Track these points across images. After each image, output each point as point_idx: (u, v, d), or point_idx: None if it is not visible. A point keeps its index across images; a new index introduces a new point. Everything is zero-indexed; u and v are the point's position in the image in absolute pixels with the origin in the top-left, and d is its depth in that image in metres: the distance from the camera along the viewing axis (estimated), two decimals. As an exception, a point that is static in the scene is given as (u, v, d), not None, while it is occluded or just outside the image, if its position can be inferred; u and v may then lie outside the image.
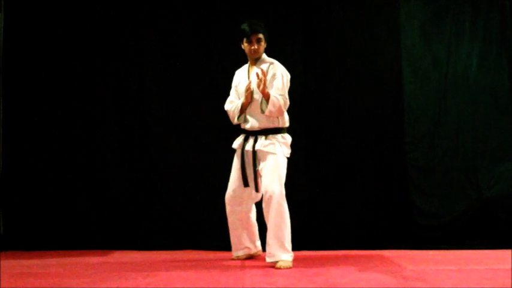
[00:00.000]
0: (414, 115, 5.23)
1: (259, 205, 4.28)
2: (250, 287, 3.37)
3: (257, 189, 4.28)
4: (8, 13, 5.40)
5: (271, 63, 4.29)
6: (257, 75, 4.12)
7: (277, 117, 4.23)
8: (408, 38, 5.27)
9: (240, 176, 4.31)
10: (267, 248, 4.08)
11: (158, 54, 5.38)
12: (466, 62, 5.27)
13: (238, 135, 4.39)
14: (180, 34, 5.37)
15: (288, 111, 4.30)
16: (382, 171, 5.15)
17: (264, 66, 4.26)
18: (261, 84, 4.09)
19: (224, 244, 4.65)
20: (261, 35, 4.28)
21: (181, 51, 5.35)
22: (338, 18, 5.31)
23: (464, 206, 5.13)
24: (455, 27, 5.28)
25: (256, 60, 4.34)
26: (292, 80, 4.32)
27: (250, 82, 4.28)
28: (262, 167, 4.18)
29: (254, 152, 4.23)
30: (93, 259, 4.64)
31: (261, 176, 4.21)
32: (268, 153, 4.17)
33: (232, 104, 4.37)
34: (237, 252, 4.48)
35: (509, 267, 3.81)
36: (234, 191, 4.36)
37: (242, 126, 4.35)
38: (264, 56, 4.36)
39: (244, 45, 4.32)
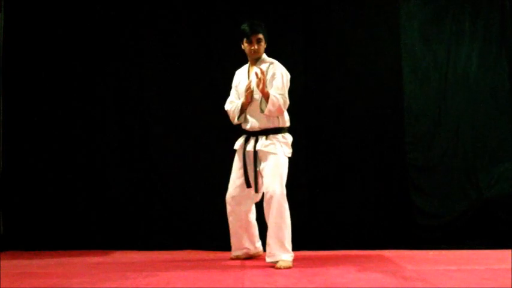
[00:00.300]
0: (414, 115, 5.23)
1: (259, 205, 4.28)
2: (250, 287, 3.37)
3: (256, 190, 4.28)
4: (8, 13, 5.40)
5: (271, 63, 4.30)
6: (256, 74, 4.13)
7: (278, 117, 4.23)
8: (408, 38, 5.27)
9: (240, 176, 4.31)
10: (267, 248, 4.08)
11: (158, 54, 5.38)
12: (466, 62, 5.27)
13: (238, 135, 4.39)
14: (180, 34, 5.37)
15: (288, 111, 4.30)
16: (382, 171, 5.15)
17: (264, 66, 4.26)
18: (261, 84, 4.09)
19: (224, 244, 4.66)
20: (261, 35, 4.28)
21: (181, 51, 5.35)
22: (338, 18, 5.31)
23: (464, 206, 5.13)
24: (455, 27, 5.28)
25: (256, 61, 4.34)
26: (292, 80, 4.32)
27: (250, 82, 4.28)
28: (263, 167, 4.18)
29: (255, 153, 4.23)
30: (93, 259, 4.64)
31: (262, 177, 4.21)
32: (268, 153, 4.17)
33: (233, 104, 4.37)
34: (237, 252, 4.48)
35: (509, 267, 3.81)
36: (234, 191, 4.36)
37: (243, 126, 4.36)
38: (264, 56, 4.36)
39: (244, 46, 4.32)
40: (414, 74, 5.26)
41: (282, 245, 4.00)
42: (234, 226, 4.43)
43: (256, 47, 4.28)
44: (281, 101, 4.15)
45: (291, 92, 4.29)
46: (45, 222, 5.26)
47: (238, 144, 4.36)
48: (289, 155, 4.25)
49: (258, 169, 4.24)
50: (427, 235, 5.07)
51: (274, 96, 4.13)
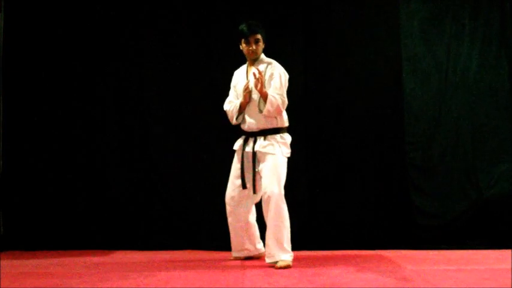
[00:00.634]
0: (414, 115, 5.23)
1: (259, 206, 4.28)
2: (250, 287, 3.37)
3: (254, 191, 4.28)
4: (8, 13, 5.40)
5: (270, 63, 4.29)
6: (254, 75, 4.12)
7: (276, 118, 4.22)
8: (408, 38, 5.27)
9: (239, 176, 4.31)
10: (267, 249, 4.08)
11: (158, 54, 5.38)
12: (466, 62, 5.27)
13: (238, 136, 4.39)
14: (180, 34, 5.37)
15: (288, 111, 4.30)
16: (382, 171, 5.15)
17: (262, 67, 4.26)
18: (259, 84, 4.09)
19: (224, 244, 4.65)
20: (259, 36, 4.27)
21: (181, 51, 5.35)
22: (338, 18, 5.31)
23: (464, 206, 5.13)
24: (455, 27, 5.28)
25: (255, 61, 4.33)
26: (292, 80, 4.32)
27: (248, 81, 4.27)
28: (262, 168, 4.18)
29: (254, 154, 4.23)
30: (93, 259, 4.64)
31: (261, 177, 4.21)
32: (267, 153, 4.17)
33: (231, 104, 4.38)
34: (237, 253, 4.48)
35: (509, 267, 3.81)
36: (233, 191, 4.36)
37: (241, 127, 4.36)
38: (263, 56, 4.36)
39: (243, 46, 4.32)
40: (414, 74, 5.26)
41: (281, 245, 4.00)
42: (233, 227, 4.43)
43: (254, 47, 4.28)
44: (279, 101, 4.15)
45: (291, 92, 4.29)
46: (45, 222, 5.26)
47: (238, 145, 4.36)
48: (288, 155, 4.24)
49: (256, 170, 4.23)
50: (427, 235, 5.07)
51: (273, 96, 4.13)
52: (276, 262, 3.99)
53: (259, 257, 4.45)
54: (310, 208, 5.13)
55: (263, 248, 4.46)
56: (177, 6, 5.39)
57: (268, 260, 4.05)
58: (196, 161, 5.24)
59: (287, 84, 4.27)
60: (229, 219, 4.42)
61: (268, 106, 4.13)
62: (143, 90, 5.38)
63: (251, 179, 4.26)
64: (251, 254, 4.48)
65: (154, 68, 5.38)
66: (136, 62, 5.39)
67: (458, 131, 5.22)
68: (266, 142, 4.20)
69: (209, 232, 5.12)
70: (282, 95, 4.18)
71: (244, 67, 4.44)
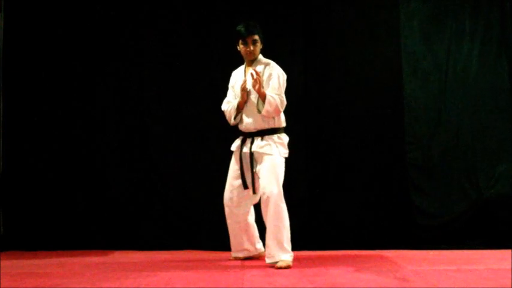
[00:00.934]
0: (414, 115, 5.22)
1: (258, 206, 4.28)
2: (250, 287, 3.37)
3: (254, 191, 4.28)
4: (8, 13, 5.40)
5: (267, 64, 4.29)
6: (251, 75, 4.12)
7: (273, 118, 4.22)
8: (408, 38, 5.27)
9: (238, 177, 4.31)
10: (266, 249, 4.08)
11: (158, 54, 5.38)
12: (466, 62, 5.27)
13: (237, 136, 4.39)
14: (180, 34, 5.37)
15: (288, 111, 4.29)
16: (382, 171, 5.15)
17: (260, 67, 4.26)
18: (257, 84, 4.09)
19: (224, 244, 4.65)
20: (256, 37, 4.26)
21: (181, 51, 5.35)
22: (338, 18, 5.31)
23: (464, 206, 5.13)
24: (455, 27, 5.28)
25: (253, 62, 4.33)
26: (292, 80, 4.32)
27: (245, 80, 4.26)
28: (260, 168, 4.17)
29: (251, 154, 4.22)
30: (93, 259, 4.64)
31: (258, 178, 4.20)
32: (264, 154, 4.16)
33: (229, 105, 4.37)
34: (236, 253, 4.48)
35: (509, 267, 3.81)
36: (231, 192, 4.35)
37: (239, 127, 4.35)
38: (260, 56, 4.35)
39: (240, 47, 4.31)
40: (414, 74, 5.26)
41: (281, 245, 4.00)
42: (233, 228, 4.42)
43: (252, 48, 4.26)
44: (278, 101, 4.14)
45: (290, 92, 4.29)
46: (45, 222, 5.26)
47: (235, 145, 4.36)
48: (286, 156, 4.24)
49: (254, 170, 4.23)
50: (427, 235, 5.07)
51: (271, 96, 4.13)
52: (276, 262, 3.98)
53: (258, 257, 4.45)
54: (310, 208, 5.13)
55: (263, 248, 4.46)
56: (177, 6, 5.39)
57: (268, 261, 4.04)
58: (196, 161, 5.24)
59: (285, 85, 4.26)
60: (228, 221, 4.42)
61: (267, 106, 4.12)
62: (143, 90, 5.38)
63: (250, 180, 4.26)
64: (251, 254, 4.47)
65: (154, 68, 5.38)
66: (136, 62, 5.39)
67: (458, 131, 5.22)
68: (263, 142, 4.19)
69: (209, 232, 5.12)
70: (280, 95, 4.18)
71: (242, 68, 4.44)
